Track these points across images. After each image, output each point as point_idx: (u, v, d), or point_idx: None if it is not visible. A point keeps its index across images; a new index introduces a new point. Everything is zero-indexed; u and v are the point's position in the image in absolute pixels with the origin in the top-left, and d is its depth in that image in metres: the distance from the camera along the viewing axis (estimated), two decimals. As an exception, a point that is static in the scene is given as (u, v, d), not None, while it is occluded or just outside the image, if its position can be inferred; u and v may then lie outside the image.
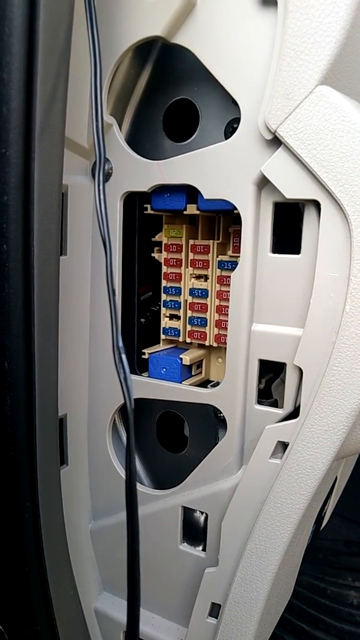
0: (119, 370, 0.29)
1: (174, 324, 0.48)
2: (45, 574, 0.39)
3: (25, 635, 0.41)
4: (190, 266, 0.46)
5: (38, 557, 0.39)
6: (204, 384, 0.48)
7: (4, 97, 0.31)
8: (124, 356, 0.30)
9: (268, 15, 0.36)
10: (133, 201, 0.47)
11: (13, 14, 0.30)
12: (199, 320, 0.46)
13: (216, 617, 0.44)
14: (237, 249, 0.43)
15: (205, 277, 0.46)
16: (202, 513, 0.46)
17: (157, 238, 0.48)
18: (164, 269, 0.47)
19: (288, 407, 0.40)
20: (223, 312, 0.45)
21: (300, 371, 0.38)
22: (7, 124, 0.31)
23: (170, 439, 0.52)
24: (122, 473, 0.49)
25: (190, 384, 0.46)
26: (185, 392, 0.45)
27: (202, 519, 0.47)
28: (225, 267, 0.44)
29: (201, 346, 0.48)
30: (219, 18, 0.38)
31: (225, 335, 0.42)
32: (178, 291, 0.47)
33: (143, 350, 0.48)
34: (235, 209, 0.39)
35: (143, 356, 0.48)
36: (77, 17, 0.34)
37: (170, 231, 0.47)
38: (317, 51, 0.33)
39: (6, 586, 0.40)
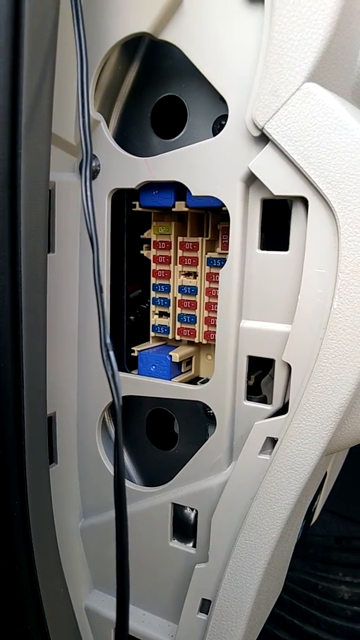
0: (107, 367, 0.29)
1: (163, 321, 0.48)
2: (35, 573, 0.39)
3: (16, 634, 0.41)
4: (179, 263, 0.46)
5: (27, 556, 0.39)
6: (193, 380, 0.48)
7: (-11, 93, 0.30)
8: (111, 353, 0.30)
9: (255, 11, 0.36)
10: (121, 198, 0.47)
11: (-2, 9, 0.29)
12: (188, 317, 0.46)
13: (206, 613, 0.44)
14: (225, 246, 0.43)
15: (194, 274, 0.46)
16: (192, 509, 0.46)
17: (145, 235, 0.48)
18: (153, 266, 0.47)
19: (277, 403, 0.40)
20: (212, 309, 0.45)
21: (289, 367, 0.38)
22: (-7, 120, 0.31)
23: (160, 436, 0.52)
24: (112, 471, 0.48)
25: (179, 381, 0.46)
26: (174, 389, 0.45)
27: (192, 515, 0.47)
28: (214, 264, 0.44)
29: (191, 343, 0.48)
30: (206, 14, 0.37)
31: (215, 332, 0.42)
32: (167, 288, 0.47)
33: (132, 348, 0.48)
34: (224, 205, 0.39)
35: (132, 354, 0.48)
36: (63, 13, 0.34)
37: (159, 228, 0.47)
38: (304, 48, 0.33)
39: (-4, 585, 0.40)
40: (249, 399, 0.42)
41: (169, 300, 0.47)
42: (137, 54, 0.46)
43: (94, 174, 0.44)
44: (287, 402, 0.39)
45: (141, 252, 0.48)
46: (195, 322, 0.46)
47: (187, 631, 0.45)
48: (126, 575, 0.33)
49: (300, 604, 0.90)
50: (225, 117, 0.38)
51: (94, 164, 0.44)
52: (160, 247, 0.47)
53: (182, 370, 0.48)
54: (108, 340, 0.30)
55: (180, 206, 0.44)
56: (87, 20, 0.34)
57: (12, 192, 0.33)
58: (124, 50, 0.45)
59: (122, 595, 0.33)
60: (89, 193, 0.33)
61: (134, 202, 0.46)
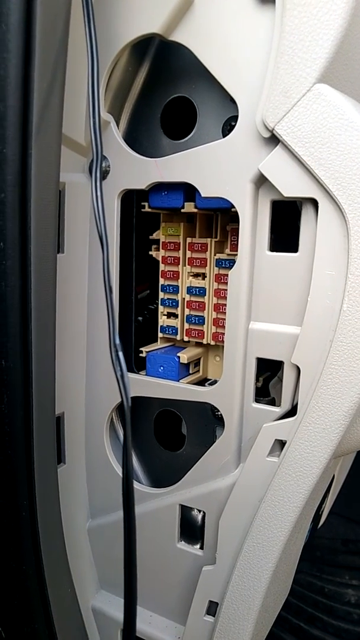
0: (116, 368, 0.29)
1: (171, 322, 0.48)
2: (43, 573, 0.39)
3: (23, 634, 0.41)
4: (188, 264, 0.46)
5: (35, 556, 0.39)
6: (201, 382, 0.48)
7: (0, 94, 0.30)
8: (121, 354, 0.30)
9: (266, 12, 0.36)
10: (131, 199, 0.47)
11: (10, 10, 0.30)
12: (196, 318, 0.46)
13: (213, 615, 0.44)
14: (234, 247, 0.43)
15: (203, 275, 0.46)
16: (199, 511, 0.46)
17: (154, 236, 0.48)
18: (162, 267, 0.47)
19: (285, 405, 0.40)
20: (221, 311, 0.45)
21: (298, 369, 0.38)
22: (4, 121, 0.31)
23: (167, 438, 0.52)
24: (120, 471, 0.48)
25: (187, 382, 0.46)
26: (182, 390, 0.45)
27: (199, 517, 0.47)
28: (223, 266, 0.44)
29: (199, 344, 0.48)
30: (217, 15, 0.37)
31: (223, 334, 0.42)
32: (176, 289, 0.47)
33: (141, 349, 0.48)
34: (233, 207, 0.39)
35: (140, 354, 0.48)
36: (74, 13, 0.34)
37: (168, 229, 0.47)
38: (315, 49, 0.33)
39: (4, 584, 0.40)
40: (257, 400, 0.42)
41: (178, 301, 0.47)
42: (147, 55, 0.46)
43: (104, 174, 0.44)
44: (296, 405, 0.39)
45: (150, 252, 0.48)
46: (204, 324, 0.46)
47: (193, 633, 0.45)
48: (134, 576, 0.33)
49: (307, 607, 0.89)
50: (235, 118, 0.38)
51: (103, 165, 0.44)
52: (169, 248, 0.47)
53: (190, 372, 0.47)
54: (117, 341, 0.30)
55: (189, 207, 0.44)
56: (97, 21, 0.34)
57: (23, 193, 0.33)
58: (134, 51, 0.45)
59: (129, 597, 0.33)
60: (99, 194, 0.33)
61: (143, 203, 0.46)
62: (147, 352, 0.47)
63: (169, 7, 0.38)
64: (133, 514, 0.32)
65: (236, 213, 0.39)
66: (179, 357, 0.46)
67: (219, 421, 0.45)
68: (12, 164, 0.32)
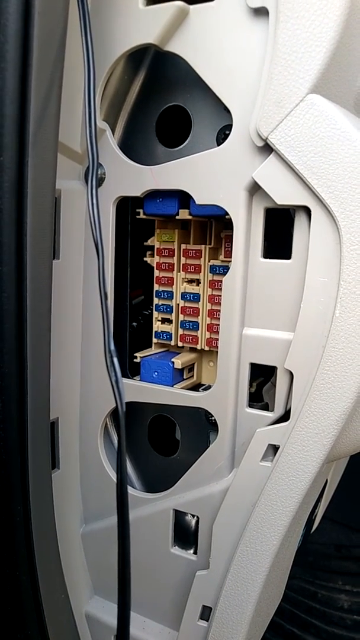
0: (111, 374, 0.30)
1: (166, 327, 0.48)
2: (36, 578, 0.39)
3: (16, 640, 0.41)
4: (182, 270, 0.46)
5: (29, 561, 0.39)
6: (195, 387, 0.48)
7: (-2, 102, 0.31)
8: (115, 360, 0.30)
9: (260, 24, 0.36)
10: (126, 206, 0.48)
11: (7, 20, 0.30)
12: (190, 324, 0.46)
13: (207, 620, 0.44)
14: (228, 254, 0.43)
15: (197, 282, 0.46)
16: (193, 516, 0.46)
17: (149, 242, 0.48)
18: (156, 273, 0.48)
19: (279, 410, 0.40)
20: (215, 316, 0.45)
21: (291, 375, 0.39)
22: (2, 129, 0.31)
23: (161, 443, 0.52)
24: (114, 476, 0.49)
25: (182, 388, 0.46)
26: (176, 395, 0.45)
27: (193, 522, 0.47)
28: (217, 272, 0.45)
29: (193, 350, 0.48)
30: (212, 26, 0.38)
31: (217, 339, 0.42)
32: (170, 295, 0.47)
33: (135, 354, 0.48)
34: (227, 214, 0.40)
35: (135, 360, 0.48)
36: (71, 24, 0.35)
37: (163, 236, 0.47)
38: (308, 60, 0.34)
39: (-3, 590, 0.40)
40: (250, 406, 0.42)
41: (172, 307, 0.47)
42: (142, 64, 0.46)
43: (99, 181, 0.44)
44: (289, 410, 0.39)
45: (145, 258, 0.49)
46: (198, 329, 0.46)
47: (187, 638, 0.45)
48: (127, 582, 0.33)
49: (300, 613, 0.89)
50: (229, 127, 0.39)
51: (99, 172, 0.44)
52: (163, 254, 0.47)
53: (184, 377, 0.48)
54: (112, 347, 0.31)
55: (183, 214, 0.44)
56: (94, 31, 0.34)
57: (19, 199, 0.33)
58: (130, 60, 0.45)
59: (123, 603, 0.33)
60: (94, 201, 0.33)
61: (138, 210, 0.46)
62: (141, 357, 0.48)
63: (164, 18, 0.38)
64: (127, 520, 0.32)
65: (230, 220, 0.39)
66: (173, 362, 0.46)
67: (213, 426, 0.45)
68: (9, 171, 0.32)
